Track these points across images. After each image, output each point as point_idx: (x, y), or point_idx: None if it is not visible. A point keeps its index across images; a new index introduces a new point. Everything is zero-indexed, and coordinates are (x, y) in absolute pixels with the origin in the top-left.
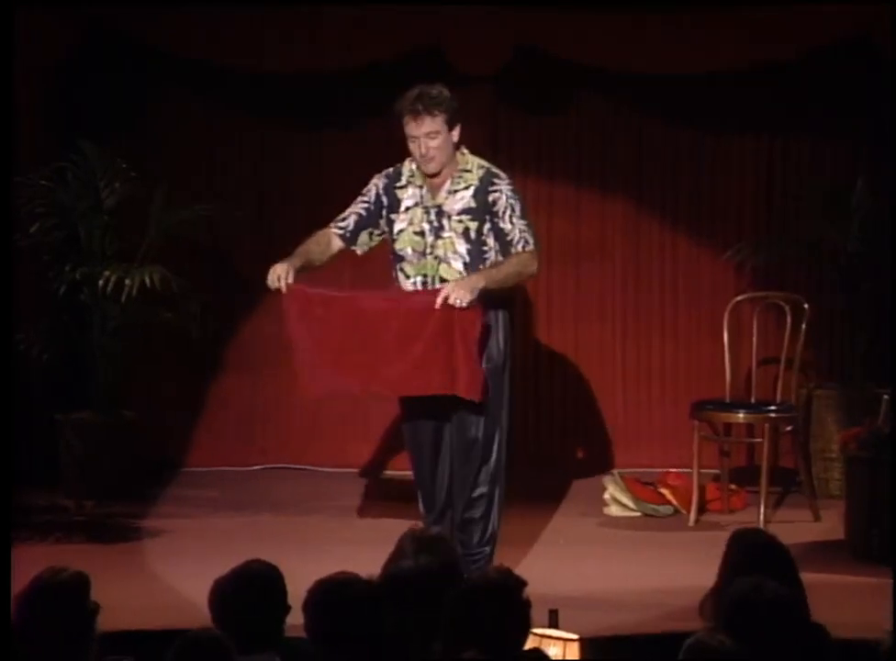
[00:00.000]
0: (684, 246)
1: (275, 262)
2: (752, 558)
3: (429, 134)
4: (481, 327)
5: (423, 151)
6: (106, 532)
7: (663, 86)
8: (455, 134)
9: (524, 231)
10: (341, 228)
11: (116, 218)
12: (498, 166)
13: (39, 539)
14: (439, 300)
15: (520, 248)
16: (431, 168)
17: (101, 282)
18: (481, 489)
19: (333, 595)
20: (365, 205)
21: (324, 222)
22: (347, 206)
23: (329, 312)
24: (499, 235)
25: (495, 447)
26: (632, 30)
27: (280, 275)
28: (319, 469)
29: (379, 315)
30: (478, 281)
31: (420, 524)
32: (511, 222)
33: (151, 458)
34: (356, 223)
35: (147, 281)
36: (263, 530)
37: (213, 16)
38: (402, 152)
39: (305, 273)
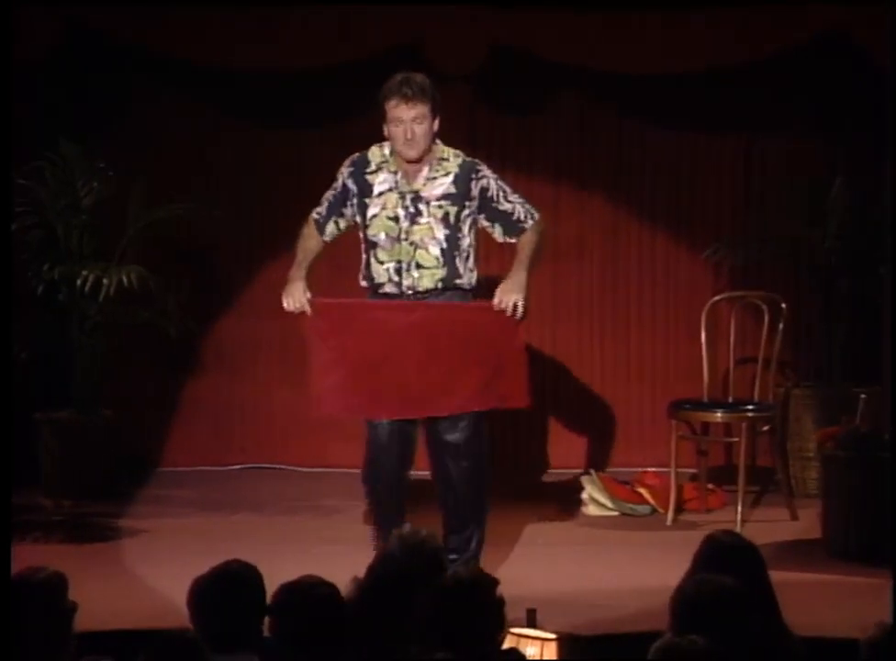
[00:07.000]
0: (662, 245)
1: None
2: (718, 560)
3: (415, 119)
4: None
5: (409, 135)
6: (85, 531)
7: (641, 85)
8: (436, 124)
9: (524, 204)
10: (318, 214)
11: (94, 217)
12: None
13: (18, 538)
14: (508, 310)
15: (529, 221)
16: (413, 153)
17: (79, 281)
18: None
19: (296, 598)
20: (333, 192)
21: (302, 221)
22: None
23: (350, 322)
24: (501, 216)
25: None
26: (609, 29)
27: (297, 297)
28: (299, 469)
29: (403, 328)
30: (521, 277)
31: (408, 526)
32: (509, 200)
33: (130, 457)
34: (328, 210)
35: (125, 280)
36: (242, 529)
37: (192, 14)
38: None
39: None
